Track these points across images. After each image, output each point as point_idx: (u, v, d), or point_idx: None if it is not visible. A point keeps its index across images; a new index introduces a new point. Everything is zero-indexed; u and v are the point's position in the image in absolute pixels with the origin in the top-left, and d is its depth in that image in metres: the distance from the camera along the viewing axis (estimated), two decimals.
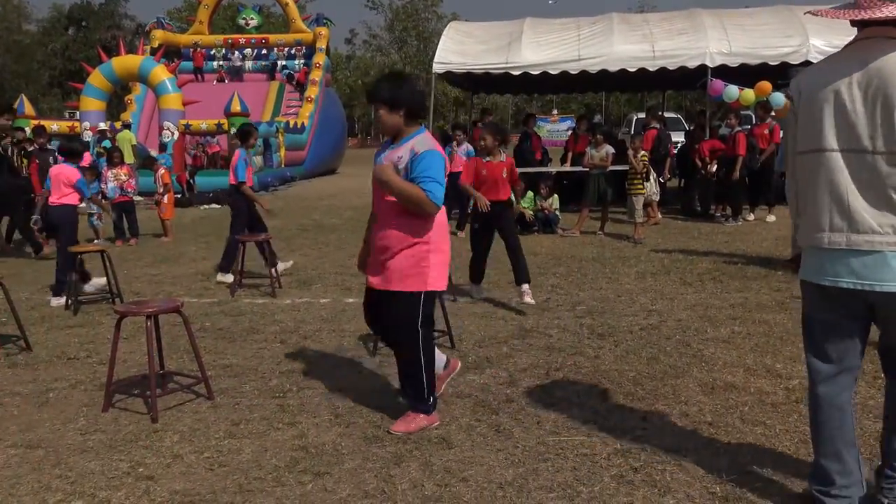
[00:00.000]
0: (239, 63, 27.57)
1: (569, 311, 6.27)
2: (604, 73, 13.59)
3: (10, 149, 10.41)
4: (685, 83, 17.67)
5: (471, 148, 11.50)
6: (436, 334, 5.42)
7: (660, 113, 16.70)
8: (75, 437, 3.85)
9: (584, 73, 13.59)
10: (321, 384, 4.59)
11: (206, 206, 15.99)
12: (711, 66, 13.07)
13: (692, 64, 13.21)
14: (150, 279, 8.06)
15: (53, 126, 18.80)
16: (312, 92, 24.79)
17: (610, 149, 10.72)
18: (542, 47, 13.91)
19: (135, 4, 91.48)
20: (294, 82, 26.97)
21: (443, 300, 5.39)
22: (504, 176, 6.66)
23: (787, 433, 3.67)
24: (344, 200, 16.82)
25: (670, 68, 13.35)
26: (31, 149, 10.99)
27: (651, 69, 13.37)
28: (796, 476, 3.20)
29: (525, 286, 6.55)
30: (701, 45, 13.26)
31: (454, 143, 11.68)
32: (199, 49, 27.61)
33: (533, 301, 6.51)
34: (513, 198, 7.02)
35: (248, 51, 28.01)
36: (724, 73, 13.05)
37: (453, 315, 5.91)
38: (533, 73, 13.64)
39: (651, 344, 5.29)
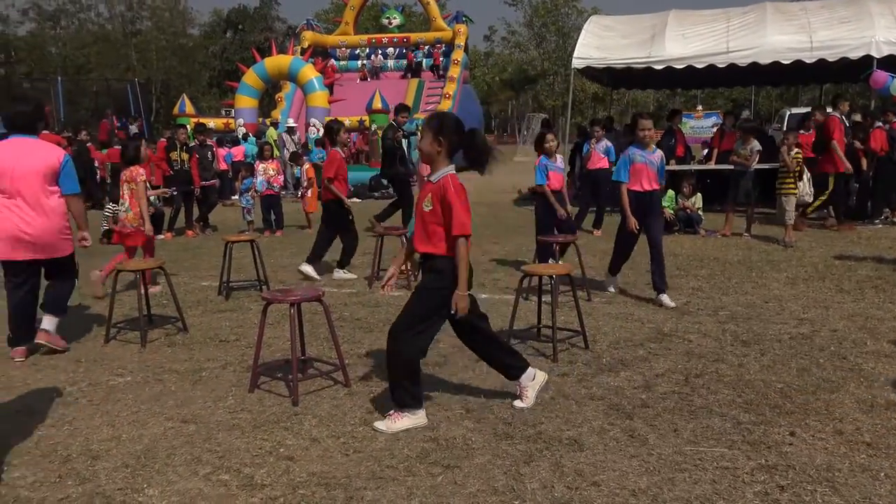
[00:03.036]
0: (379, 63, 28.35)
1: (710, 316, 5.99)
2: (754, 66, 12.85)
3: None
4: (846, 75, 16.40)
5: (610, 144, 11.24)
6: (569, 334, 5.36)
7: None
8: (224, 415, 4.10)
9: (732, 66, 12.92)
10: (453, 378, 4.63)
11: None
12: (878, 56, 12.04)
13: (855, 55, 12.23)
14: (294, 268, 8.44)
15: (211, 123, 20.14)
16: (450, 88, 25.11)
17: (757, 145, 10.14)
18: (687, 40, 13.35)
19: (286, 8, 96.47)
20: (433, 69, 27.46)
21: (577, 299, 5.30)
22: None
23: None
24: (478, 196, 16.86)
25: (829, 60, 12.43)
26: (191, 144, 11.80)
27: (808, 61, 12.51)
28: None
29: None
30: (866, 34, 12.24)
31: (592, 139, 11.46)
32: (335, 53, 28.64)
33: (673, 304, 6.30)
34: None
35: (389, 50, 28.75)
36: (893, 64, 12.00)
37: (587, 315, 5.80)
38: (677, 67, 13.13)
39: (802, 354, 4.95)
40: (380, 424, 3.86)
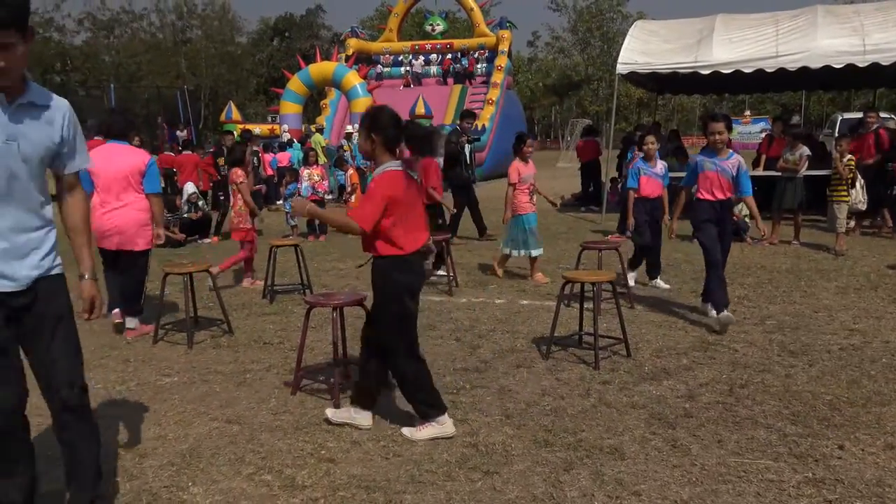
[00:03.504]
0: (420, 69, 28.48)
1: (757, 326, 5.87)
2: (804, 70, 12.56)
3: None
4: None
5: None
6: (610, 341, 5.31)
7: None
8: (267, 416, 4.16)
9: (781, 70, 12.65)
10: (493, 384, 4.63)
11: None
12: None
13: None
14: (337, 273, 8.53)
15: (256, 129, 20.48)
16: (494, 94, 25.10)
17: (805, 151, 9.92)
18: (735, 44, 13.12)
19: (331, 16, 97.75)
20: (465, 74, 27.50)
21: (619, 306, 5.25)
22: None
23: None
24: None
25: (884, 63, 12.09)
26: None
27: (861, 65, 12.17)
28: None
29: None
30: None
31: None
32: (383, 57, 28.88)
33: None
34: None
35: (432, 56, 28.87)
36: None
37: (630, 322, 5.74)
38: (724, 71, 12.91)
39: (852, 366, 4.82)
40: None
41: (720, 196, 5.89)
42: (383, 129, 3.69)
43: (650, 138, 7.30)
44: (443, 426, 3.83)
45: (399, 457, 3.60)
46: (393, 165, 3.71)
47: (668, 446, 3.64)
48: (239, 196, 7.67)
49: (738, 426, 3.86)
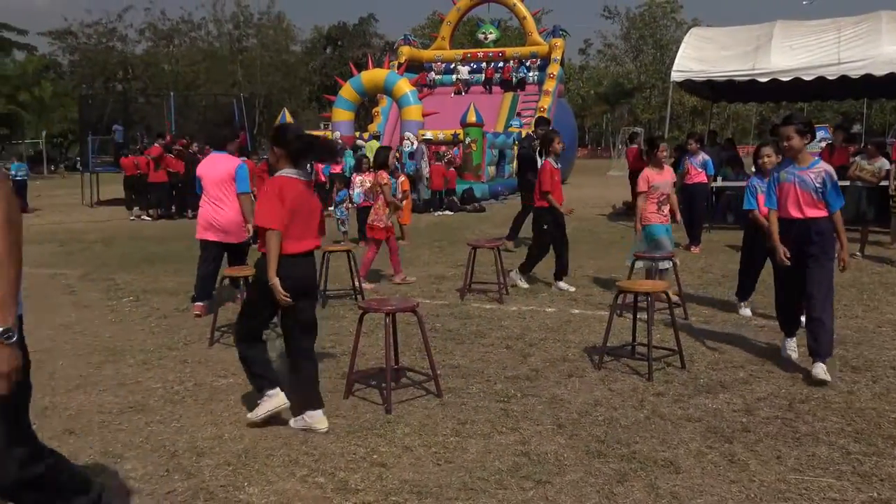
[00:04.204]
0: (466, 76, 28.54)
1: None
2: (868, 77, 12.22)
3: None
4: None
5: (707, 158, 10.92)
6: (664, 352, 5.23)
7: None
8: None
9: (843, 78, 12.32)
10: (545, 392, 4.60)
11: (439, 213, 16.73)
12: None
13: None
14: (388, 279, 8.59)
15: None
16: (545, 102, 25.04)
17: (886, 163, 9.59)
18: (794, 51, 12.83)
19: (384, 24, 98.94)
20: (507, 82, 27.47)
21: (673, 316, 5.17)
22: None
23: None
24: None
25: None
26: None
27: None
28: None
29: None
30: None
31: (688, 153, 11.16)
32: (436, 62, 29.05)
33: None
34: None
35: (482, 64, 28.93)
36: None
37: (685, 334, 5.65)
38: (783, 79, 12.63)
39: None
40: (249, 416, 4.14)
41: (795, 214, 4.85)
42: (287, 143, 4.04)
43: (766, 150, 6.19)
44: (273, 399, 4.06)
45: (450, 463, 3.60)
46: (287, 173, 4.03)
47: (725, 461, 3.56)
48: (381, 197, 8.08)
49: (799, 442, 3.76)
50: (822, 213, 4.81)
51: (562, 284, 7.77)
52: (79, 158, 28.12)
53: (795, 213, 4.85)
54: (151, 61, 55.62)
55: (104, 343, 5.94)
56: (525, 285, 7.93)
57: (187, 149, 17.54)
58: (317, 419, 4.05)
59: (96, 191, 20.66)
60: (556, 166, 7.67)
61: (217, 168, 6.72)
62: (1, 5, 78.52)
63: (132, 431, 4.07)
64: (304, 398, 4.10)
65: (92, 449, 3.83)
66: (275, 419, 4.11)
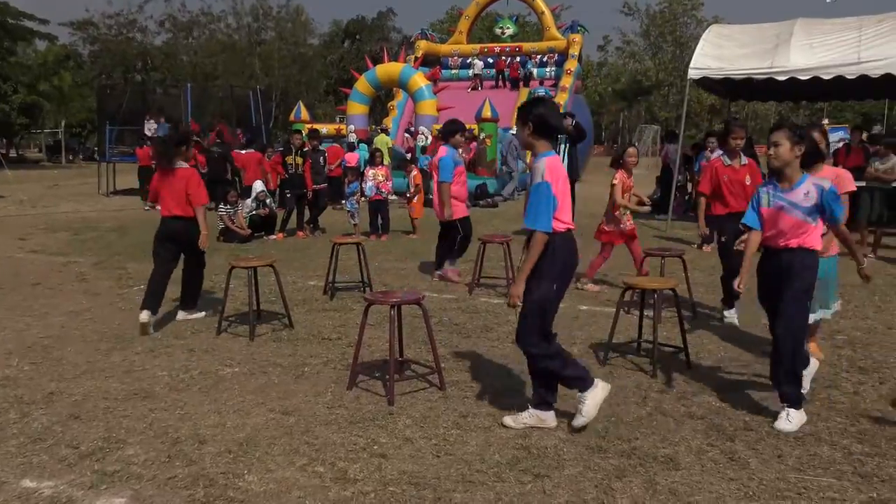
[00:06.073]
0: (480, 71, 28.40)
1: (825, 340, 5.66)
2: (888, 77, 12.07)
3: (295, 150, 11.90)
4: None
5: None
6: (670, 350, 5.21)
7: None
8: (322, 410, 4.23)
9: (863, 77, 12.18)
10: None
11: None
12: None
13: None
14: (398, 272, 8.61)
15: (324, 129, 20.81)
16: (561, 98, 24.90)
17: None
18: (814, 50, 12.69)
19: (402, 18, 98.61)
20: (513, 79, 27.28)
21: (681, 315, 5.14)
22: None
23: None
24: (584, 207, 16.67)
25: None
26: (305, 149, 12.26)
27: None
28: None
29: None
30: None
31: (707, 150, 11.10)
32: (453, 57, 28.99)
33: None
34: None
35: (489, 59, 28.76)
36: None
37: (691, 332, 5.62)
38: (802, 77, 12.50)
39: None
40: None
41: (781, 243, 4.04)
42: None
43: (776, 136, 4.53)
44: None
45: (450, 455, 3.61)
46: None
47: (726, 458, 3.54)
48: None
49: (801, 442, 3.73)
50: (813, 244, 3.99)
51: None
52: (96, 148, 28.32)
53: (780, 243, 4.04)
54: (170, 53, 55.91)
55: (113, 330, 6.00)
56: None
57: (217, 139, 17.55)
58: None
59: (112, 180, 20.83)
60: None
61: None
62: None
63: (136, 418, 4.11)
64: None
65: (95, 434, 3.87)
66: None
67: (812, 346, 4.78)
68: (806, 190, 3.97)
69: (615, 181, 7.29)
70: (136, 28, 55.39)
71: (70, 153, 49.19)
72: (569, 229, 3.83)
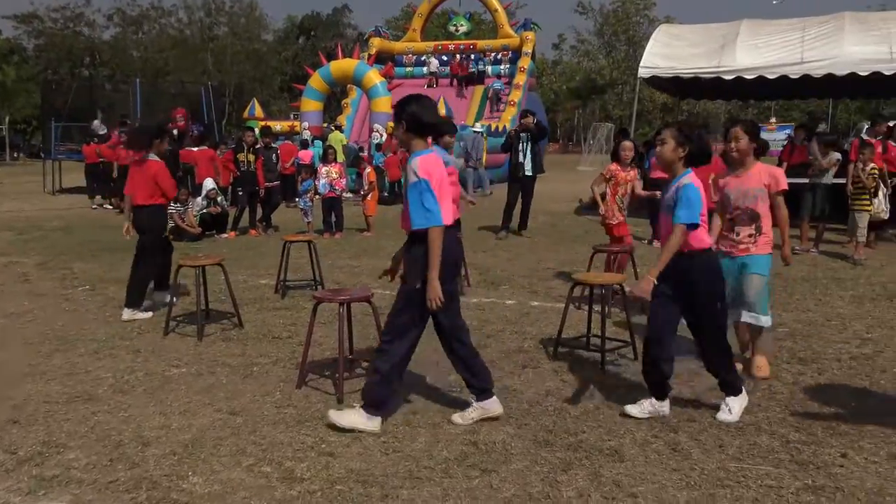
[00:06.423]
0: (435, 69, 28.37)
1: (767, 332, 5.79)
2: (830, 77, 12.45)
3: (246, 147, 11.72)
4: None
5: None
6: (617, 344, 5.29)
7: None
8: (270, 409, 4.19)
9: (806, 77, 12.55)
10: (498, 383, 4.58)
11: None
12: None
13: None
14: (351, 270, 8.57)
15: (277, 126, 20.60)
16: (515, 96, 25.04)
17: (836, 155, 9.87)
18: (759, 50, 13.04)
19: (358, 15, 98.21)
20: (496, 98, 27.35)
21: (628, 309, 5.22)
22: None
23: None
24: (538, 205, 16.78)
25: None
26: (258, 146, 12.11)
27: (887, 73, 12.04)
28: None
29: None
30: None
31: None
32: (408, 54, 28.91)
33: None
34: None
35: (443, 57, 28.75)
36: None
37: (639, 327, 5.70)
38: (747, 77, 12.83)
39: (862, 375, 4.76)
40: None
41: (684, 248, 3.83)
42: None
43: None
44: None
45: (398, 452, 3.61)
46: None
47: (669, 450, 3.62)
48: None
49: (741, 432, 3.83)
50: (692, 246, 3.83)
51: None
52: (41, 145, 27.55)
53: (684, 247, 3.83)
54: (119, 48, 54.67)
55: (56, 332, 5.86)
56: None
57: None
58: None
59: (59, 178, 20.30)
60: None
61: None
62: None
63: (77, 421, 4.02)
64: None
65: (35, 438, 3.78)
66: None
67: (761, 361, 4.74)
68: (675, 189, 3.86)
69: (605, 172, 7.18)
70: (83, 22, 54.07)
71: (14, 150, 47.76)
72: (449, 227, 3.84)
